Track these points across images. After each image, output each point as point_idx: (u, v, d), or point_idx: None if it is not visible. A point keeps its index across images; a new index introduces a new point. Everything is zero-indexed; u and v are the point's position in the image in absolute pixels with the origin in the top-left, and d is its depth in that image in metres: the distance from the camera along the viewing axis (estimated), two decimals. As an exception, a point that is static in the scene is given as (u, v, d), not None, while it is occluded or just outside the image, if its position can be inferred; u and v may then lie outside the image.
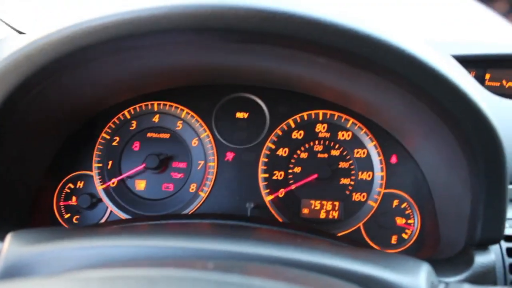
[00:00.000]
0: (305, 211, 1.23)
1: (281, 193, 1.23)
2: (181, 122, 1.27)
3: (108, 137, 1.27)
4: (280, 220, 1.22)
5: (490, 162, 0.84)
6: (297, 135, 1.26)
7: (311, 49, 0.83)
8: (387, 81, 0.88)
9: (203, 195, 1.24)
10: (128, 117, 1.28)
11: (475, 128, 0.82)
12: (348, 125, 1.25)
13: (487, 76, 1.40)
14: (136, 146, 1.28)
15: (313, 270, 0.65)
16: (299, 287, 0.53)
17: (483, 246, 0.90)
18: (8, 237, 0.74)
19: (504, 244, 0.99)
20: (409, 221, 1.21)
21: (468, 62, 1.30)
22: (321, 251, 0.69)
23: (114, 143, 1.27)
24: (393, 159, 1.24)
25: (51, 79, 0.87)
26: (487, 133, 0.82)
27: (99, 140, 1.27)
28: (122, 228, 0.89)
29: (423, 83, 0.81)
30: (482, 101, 0.82)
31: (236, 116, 1.28)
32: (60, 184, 1.26)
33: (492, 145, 0.82)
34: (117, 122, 1.28)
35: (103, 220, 1.24)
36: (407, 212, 1.22)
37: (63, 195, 1.26)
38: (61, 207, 1.26)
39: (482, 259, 0.87)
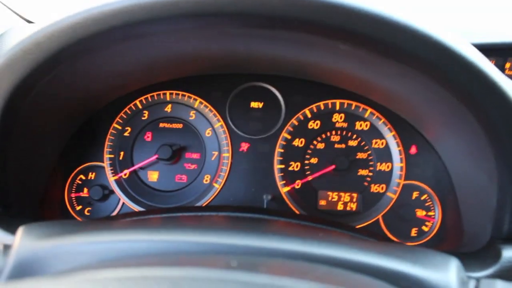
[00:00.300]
0: (322, 202, 1.20)
1: (298, 184, 1.20)
2: (194, 112, 1.24)
3: (119, 127, 1.24)
4: (297, 212, 1.19)
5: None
6: (313, 125, 1.22)
7: (336, 36, 0.79)
8: (412, 68, 0.83)
9: (217, 186, 1.21)
10: (140, 107, 1.25)
11: (503, 117, 0.78)
12: (366, 115, 1.21)
13: (507, 65, 1.35)
14: (148, 136, 1.25)
15: (338, 266, 0.62)
16: (330, 286, 0.50)
17: (511, 240, 0.86)
18: (20, 231, 0.72)
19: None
20: (430, 213, 1.18)
21: (487, 50, 1.25)
22: (346, 246, 0.66)
23: (126, 134, 1.24)
24: (413, 150, 1.20)
25: (62, 67, 0.84)
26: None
27: (111, 130, 1.24)
28: (135, 221, 0.86)
29: (451, 70, 0.77)
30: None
31: (251, 106, 1.24)
32: (71, 175, 1.23)
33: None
34: (129, 112, 1.25)
35: (115, 212, 1.22)
36: (427, 204, 1.18)
37: (74, 187, 1.23)
38: (73, 199, 1.23)
39: (510, 254, 0.83)
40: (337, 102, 1.22)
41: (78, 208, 1.23)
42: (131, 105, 1.25)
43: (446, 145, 1.11)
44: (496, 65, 1.34)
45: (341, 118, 1.22)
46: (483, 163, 0.91)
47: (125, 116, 1.25)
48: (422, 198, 1.18)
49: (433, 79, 0.83)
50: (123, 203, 1.22)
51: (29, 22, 1.45)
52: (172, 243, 0.67)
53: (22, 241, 0.69)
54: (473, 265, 0.82)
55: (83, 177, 1.24)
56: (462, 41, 0.76)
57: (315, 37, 0.81)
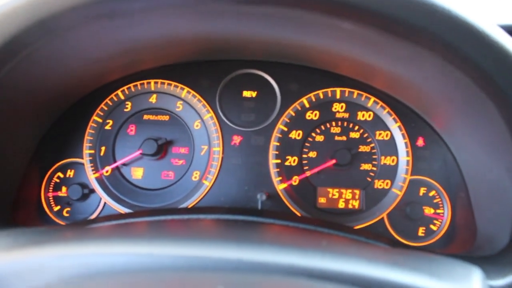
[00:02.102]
0: (322, 200, 1.11)
1: (295, 180, 1.11)
2: (181, 102, 1.15)
3: (100, 120, 1.14)
4: (295, 211, 1.09)
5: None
6: (311, 115, 1.13)
7: (340, 12, 0.69)
8: (424, 49, 0.74)
9: (207, 184, 1.11)
10: (122, 97, 1.15)
11: None
12: (369, 104, 1.12)
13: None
14: (131, 130, 1.15)
15: (347, 283, 0.53)
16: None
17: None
18: None
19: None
20: (438, 211, 1.09)
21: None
22: (354, 258, 0.57)
23: (107, 127, 1.15)
24: (420, 142, 1.11)
25: (24, 54, 0.73)
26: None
27: (90, 123, 1.14)
28: (115, 227, 0.77)
29: (473, 51, 0.67)
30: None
31: (243, 95, 1.15)
32: (48, 173, 1.13)
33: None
34: (110, 103, 1.15)
35: (96, 213, 1.12)
36: (436, 201, 1.10)
37: (51, 186, 1.14)
38: (50, 198, 1.13)
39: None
40: (338, 90, 1.13)
41: (56, 208, 1.13)
42: (112, 95, 1.15)
43: (458, 137, 1.02)
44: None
45: (342, 107, 1.13)
46: (502, 157, 0.82)
47: (106, 108, 1.15)
48: (430, 194, 1.10)
49: (451, 62, 0.74)
50: (105, 203, 1.12)
51: None
52: (156, 258, 0.58)
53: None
54: (493, 272, 0.74)
55: (61, 175, 1.14)
56: (487, 20, 0.67)
57: (315, 14, 0.72)
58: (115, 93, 1.15)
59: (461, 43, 0.66)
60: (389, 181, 1.10)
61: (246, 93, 1.15)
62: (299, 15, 0.75)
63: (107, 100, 1.15)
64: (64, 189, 1.13)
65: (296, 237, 0.74)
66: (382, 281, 0.53)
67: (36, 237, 0.65)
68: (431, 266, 0.61)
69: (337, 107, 1.13)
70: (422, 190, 1.10)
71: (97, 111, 1.14)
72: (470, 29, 0.65)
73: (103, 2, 0.66)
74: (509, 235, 0.81)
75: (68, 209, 1.14)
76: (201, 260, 0.56)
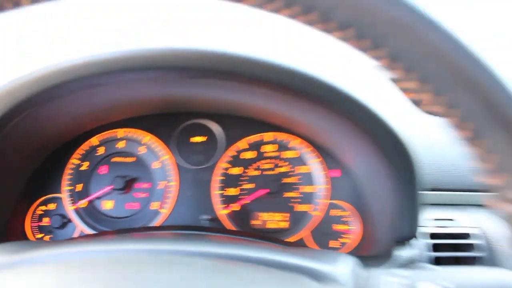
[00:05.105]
0: (257, 222, 1.37)
1: (234, 207, 1.37)
2: (144, 147, 1.41)
3: (78, 162, 1.40)
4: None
5: (404, 172, 1.01)
6: (249, 155, 1.41)
7: (247, 82, 1.00)
8: (316, 106, 1.05)
9: (164, 211, 1.37)
10: (96, 143, 1.41)
11: (391, 146, 1.00)
12: (295, 145, 1.40)
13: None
14: (103, 169, 1.41)
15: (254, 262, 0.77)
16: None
17: (402, 243, 1.05)
18: None
19: (428, 241, 1.18)
20: (351, 227, 1.35)
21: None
22: (261, 249, 0.82)
23: (83, 168, 1.40)
24: (335, 173, 1.38)
25: (29, 112, 1.02)
26: (401, 149, 1.00)
27: (69, 165, 1.40)
28: (85, 238, 1.01)
29: (342, 108, 0.98)
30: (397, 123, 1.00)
31: (194, 140, 1.42)
32: (34, 206, 1.37)
33: (405, 159, 1.00)
34: (86, 148, 1.41)
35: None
36: (349, 219, 1.36)
37: (36, 217, 1.37)
38: (34, 228, 1.37)
39: (399, 253, 1.02)
40: (271, 134, 1.41)
41: (39, 236, 1.36)
42: (88, 142, 1.41)
43: (361, 169, 1.31)
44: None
45: (273, 148, 1.41)
46: (386, 182, 1.11)
47: (83, 152, 1.41)
48: (345, 214, 1.36)
49: (337, 115, 1.05)
50: (81, 231, 1.36)
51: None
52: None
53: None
54: (370, 264, 0.99)
55: (44, 208, 1.38)
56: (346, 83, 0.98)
57: (235, 83, 1.03)
58: (90, 140, 1.42)
59: (328, 101, 0.96)
60: (311, 205, 1.38)
61: (197, 138, 1.42)
62: (228, 84, 1.06)
63: (83, 145, 1.41)
64: (47, 219, 1.37)
65: (228, 240, 0.99)
66: (271, 260, 0.76)
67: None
68: (314, 255, 0.81)
69: (270, 147, 1.41)
70: (339, 211, 1.37)
71: (75, 154, 1.40)
72: (332, 90, 0.95)
73: (87, 77, 0.96)
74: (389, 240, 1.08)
75: (50, 236, 1.37)
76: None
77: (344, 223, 1.36)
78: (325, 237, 1.35)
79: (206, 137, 1.42)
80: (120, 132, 1.42)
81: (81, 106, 1.21)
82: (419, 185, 1.03)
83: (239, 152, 1.41)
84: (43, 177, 1.38)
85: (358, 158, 1.26)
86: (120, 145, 1.42)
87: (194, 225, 1.35)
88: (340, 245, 1.35)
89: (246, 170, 1.40)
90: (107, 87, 1.11)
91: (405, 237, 1.05)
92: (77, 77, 0.96)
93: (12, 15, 0.43)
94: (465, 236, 1.23)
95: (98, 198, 1.39)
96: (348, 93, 0.97)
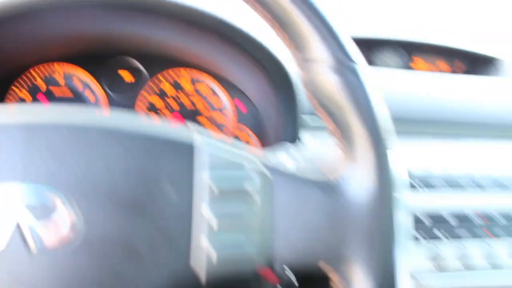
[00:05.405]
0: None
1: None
2: (80, 82, 1.58)
3: (19, 92, 1.57)
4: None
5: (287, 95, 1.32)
6: (168, 88, 1.63)
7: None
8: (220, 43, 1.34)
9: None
10: (35, 77, 1.56)
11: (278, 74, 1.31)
12: (205, 79, 1.62)
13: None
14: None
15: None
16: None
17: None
18: None
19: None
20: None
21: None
22: None
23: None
24: (240, 104, 1.64)
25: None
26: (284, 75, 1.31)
27: (9, 96, 1.55)
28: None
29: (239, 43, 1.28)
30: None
31: (121, 74, 1.62)
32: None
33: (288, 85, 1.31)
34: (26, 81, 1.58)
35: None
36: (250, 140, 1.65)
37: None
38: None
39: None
40: (188, 70, 1.64)
41: None
42: (27, 74, 1.57)
43: (256, 98, 1.60)
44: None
45: (190, 83, 1.66)
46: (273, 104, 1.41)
47: (23, 84, 1.59)
48: (249, 140, 1.65)
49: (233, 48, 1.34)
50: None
51: None
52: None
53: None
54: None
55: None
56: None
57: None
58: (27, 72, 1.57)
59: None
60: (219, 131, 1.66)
61: (123, 73, 1.62)
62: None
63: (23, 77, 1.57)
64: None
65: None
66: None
67: None
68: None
69: (187, 84, 1.66)
70: (244, 134, 1.66)
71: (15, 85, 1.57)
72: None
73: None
74: None
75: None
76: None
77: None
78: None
79: (132, 74, 1.63)
80: (58, 68, 1.58)
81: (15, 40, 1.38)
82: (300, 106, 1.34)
83: (159, 84, 1.63)
84: None
85: (254, 88, 1.54)
86: (59, 79, 1.58)
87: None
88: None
89: (167, 101, 1.64)
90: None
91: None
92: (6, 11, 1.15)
93: None
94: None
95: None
96: (243, 30, 1.25)
